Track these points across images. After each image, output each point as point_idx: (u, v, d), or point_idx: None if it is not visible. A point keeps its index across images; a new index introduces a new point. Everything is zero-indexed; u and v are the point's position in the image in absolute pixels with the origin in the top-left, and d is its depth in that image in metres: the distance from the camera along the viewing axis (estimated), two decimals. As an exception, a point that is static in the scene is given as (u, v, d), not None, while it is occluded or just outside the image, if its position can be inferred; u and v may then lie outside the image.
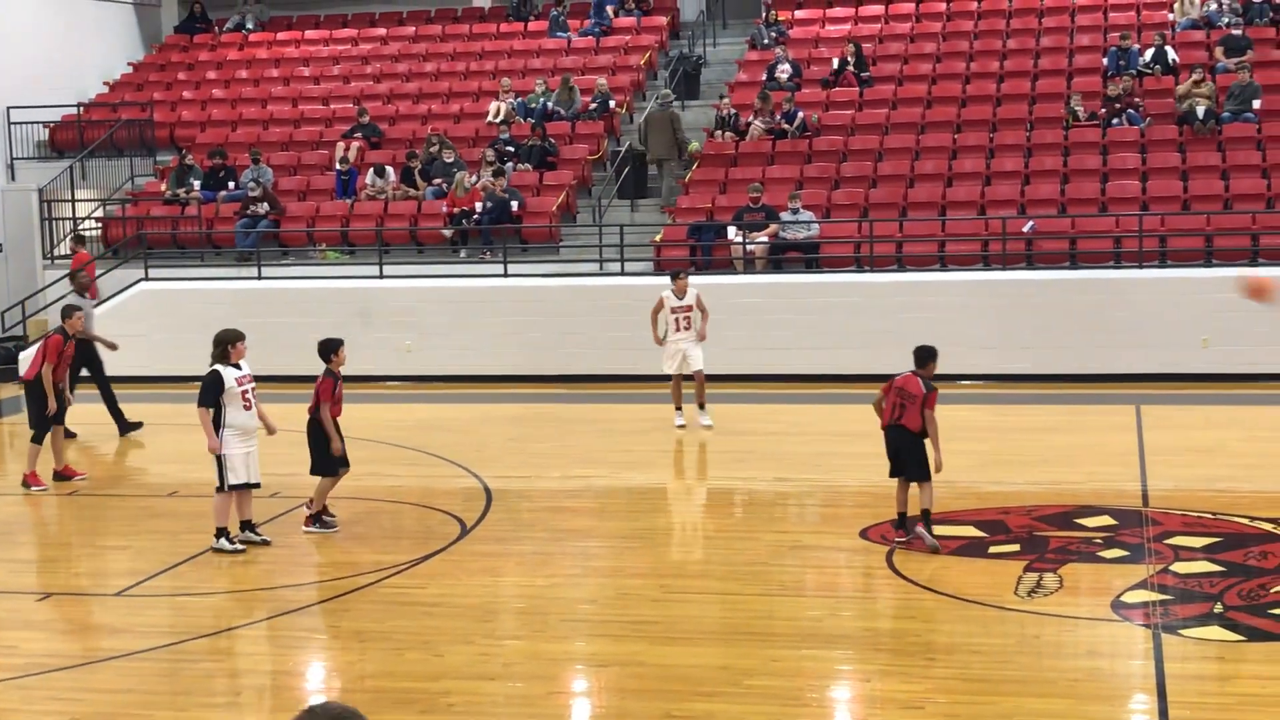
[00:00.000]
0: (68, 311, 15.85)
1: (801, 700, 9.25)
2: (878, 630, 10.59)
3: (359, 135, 26.09)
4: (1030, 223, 21.82)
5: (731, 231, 22.23)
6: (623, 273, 22.17)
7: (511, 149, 24.97)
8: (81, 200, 26.22)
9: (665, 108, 24.79)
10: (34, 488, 15.12)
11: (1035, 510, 13.59)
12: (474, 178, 23.98)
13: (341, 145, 25.57)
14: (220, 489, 12.71)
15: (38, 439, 15.37)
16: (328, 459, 13.17)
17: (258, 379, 13.19)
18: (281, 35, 30.85)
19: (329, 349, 13.48)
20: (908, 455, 12.45)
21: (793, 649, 10.09)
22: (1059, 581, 11.35)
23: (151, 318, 22.37)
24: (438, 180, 24.39)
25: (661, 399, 19.89)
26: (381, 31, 30.51)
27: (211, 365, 12.70)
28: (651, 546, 12.96)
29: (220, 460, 12.62)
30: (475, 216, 23.35)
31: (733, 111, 25.03)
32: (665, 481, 15.50)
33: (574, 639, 10.62)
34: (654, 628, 10.58)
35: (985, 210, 22.48)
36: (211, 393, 12.60)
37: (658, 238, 22.87)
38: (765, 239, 22.05)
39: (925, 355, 12.49)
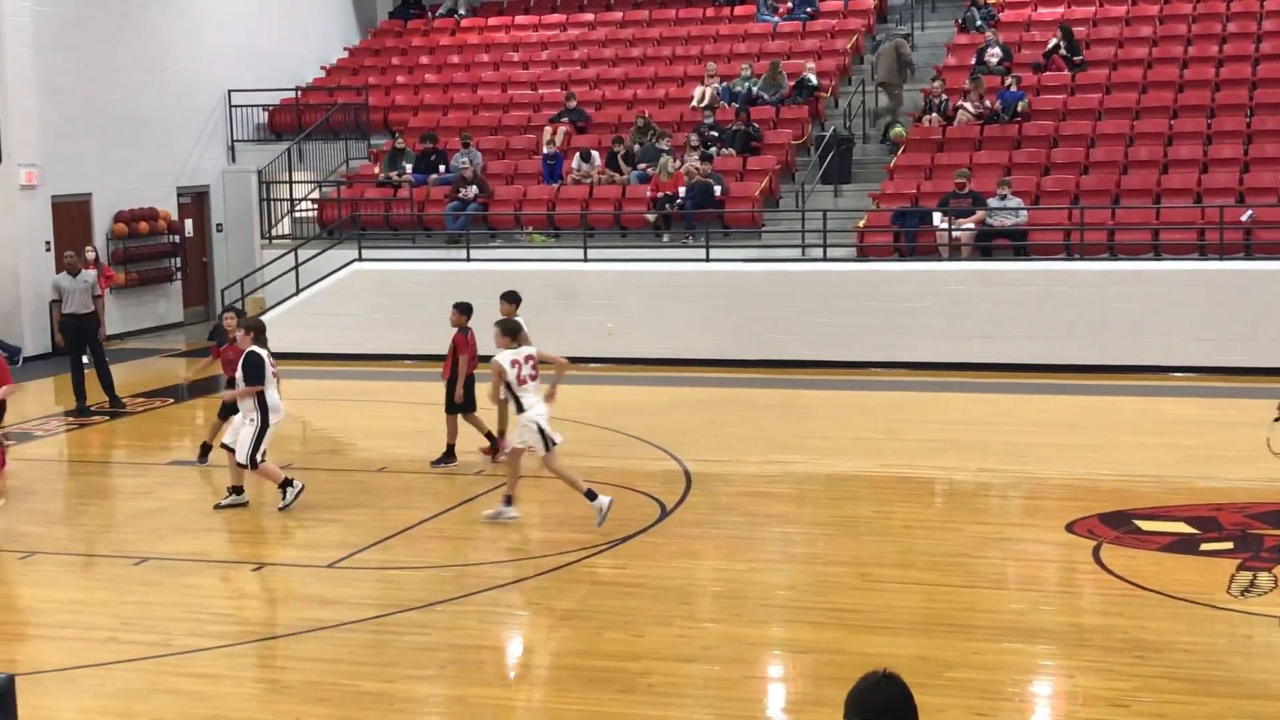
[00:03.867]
0: (465, 308, 15.71)
1: (1002, 694, 9.13)
2: (1083, 626, 10.37)
3: (566, 120, 26.36)
4: (1249, 211, 21.11)
5: (937, 218, 21.94)
6: (825, 258, 22.05)
7: (716, 134, 24.99)
8: (298, 182, 26.98)
9: (892, 38, 25.62)
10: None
11: (1250, 508, 13.17)
12: (678, 162, 24.07)
13: (549, 129, 25.87)
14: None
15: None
16: None
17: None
18: (492, 21, 31.32)
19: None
20: None
21: (994, 642, 9.95)
22: (1274, 581, 11.00)
23: (364, 297, 22.92)
24: (642, 165, 24.52)
25: (860, 385, 19.78)
26: (590, 17, 30.77)
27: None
28: (851, 535, 12.89)
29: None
30: (678, 201, 23.43)
31: (943, 97, 24.68)
32: (864, 469, 15.39)
33: (772, 624, 10.63)
34: (853, 616, 10.52)
35: (1202, 198, 21.82)
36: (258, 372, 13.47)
37: (861, 223, 22.68)
38: (972, 225, 21.71)
39: None
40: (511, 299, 15.40)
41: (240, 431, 13.58)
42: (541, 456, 12.97)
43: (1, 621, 11.12)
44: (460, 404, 15.36)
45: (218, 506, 13.84)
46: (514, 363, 12.84)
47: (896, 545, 12.39)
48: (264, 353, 13.61)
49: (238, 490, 13.88)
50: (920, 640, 9.95)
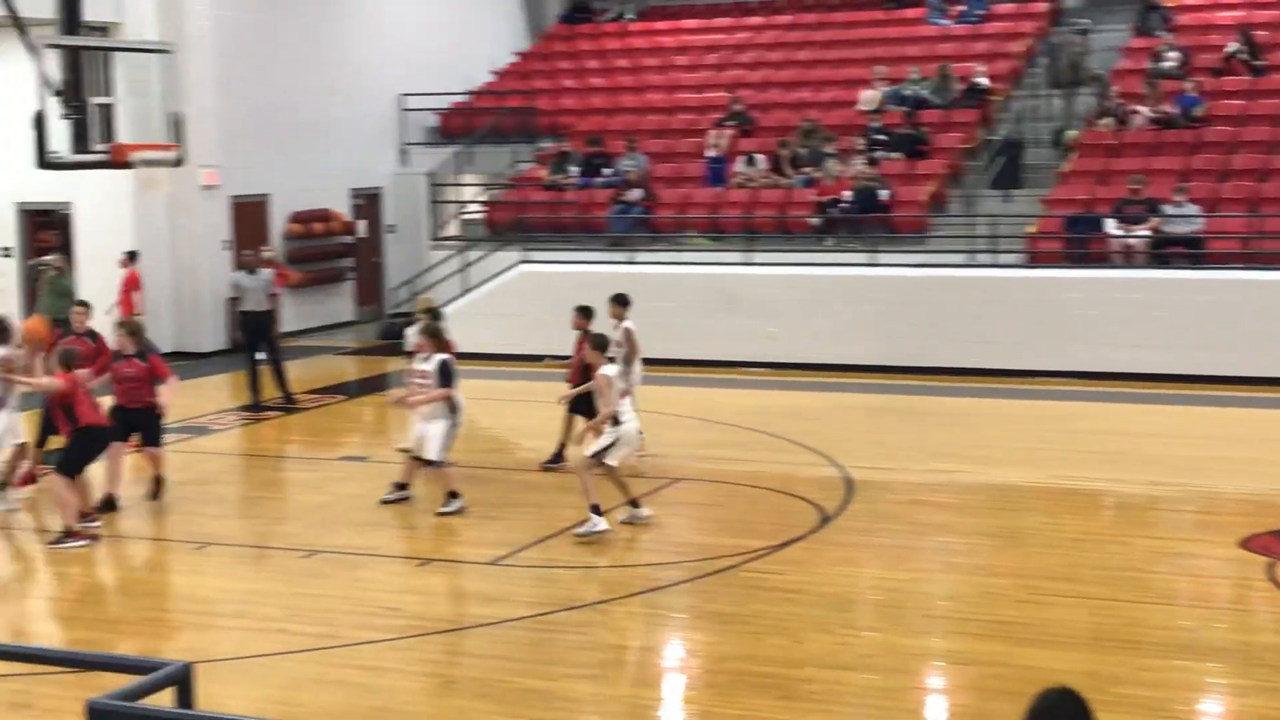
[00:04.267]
0: (587, 311, 15.76)
1: (1170, 712, 8.94)
2: (1255, 644, 10.10)
3: (731, 123, 26.36)
4: None
5: (1110, 224, 21.51)
6: (993, 264, 21.74)
7: (883, 137, 24.79)
8: (467, 184, 27.35)
9: (1065, 41, 25.79)
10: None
11: None
12: (843, 166, 23.93)
13: (714, 133, 25.89)
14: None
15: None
16: None
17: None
18: (659, 25, 31.43)
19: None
20: None
21: (1162, 659, 9.74)
22: None
23: (528, 298, 23.16)
24: (807, 168, 24.43)
25: (1028, 394, 19.46)
26: (757, 20, 30.71)
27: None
28: (1016, 546, 12.71)
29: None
30: (843, 205, 23.29)
31: (1117, 102, 24.19)
32: (1030, 480, 15.15)
33: (933, 635, 10.53)
34: (1017, 629, 10.38)
35: (1389, 206, 21.09)
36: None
37: (1031, 229, 22.33)
38: (1146, 232, 21.25)
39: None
40: (622, 301, 15.88)
41: (429, 429, 13.81)
42: (587, 455, 13.07)
43: (178, 610, 11.47)
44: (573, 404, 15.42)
45: (384, 501, 14.09)
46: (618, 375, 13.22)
47: (1063, 558, 12.19)
48: (452, 358, 13.92)
49: (403, 486, 14.13)
50: (1087, 655, 9.78)
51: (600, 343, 13.68)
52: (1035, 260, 21.89)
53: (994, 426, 17.91)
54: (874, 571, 12.00)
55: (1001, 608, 10.87)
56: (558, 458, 15.53)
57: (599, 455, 12.95)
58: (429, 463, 13.83)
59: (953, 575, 12.02)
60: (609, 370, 13.16)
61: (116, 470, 14.03)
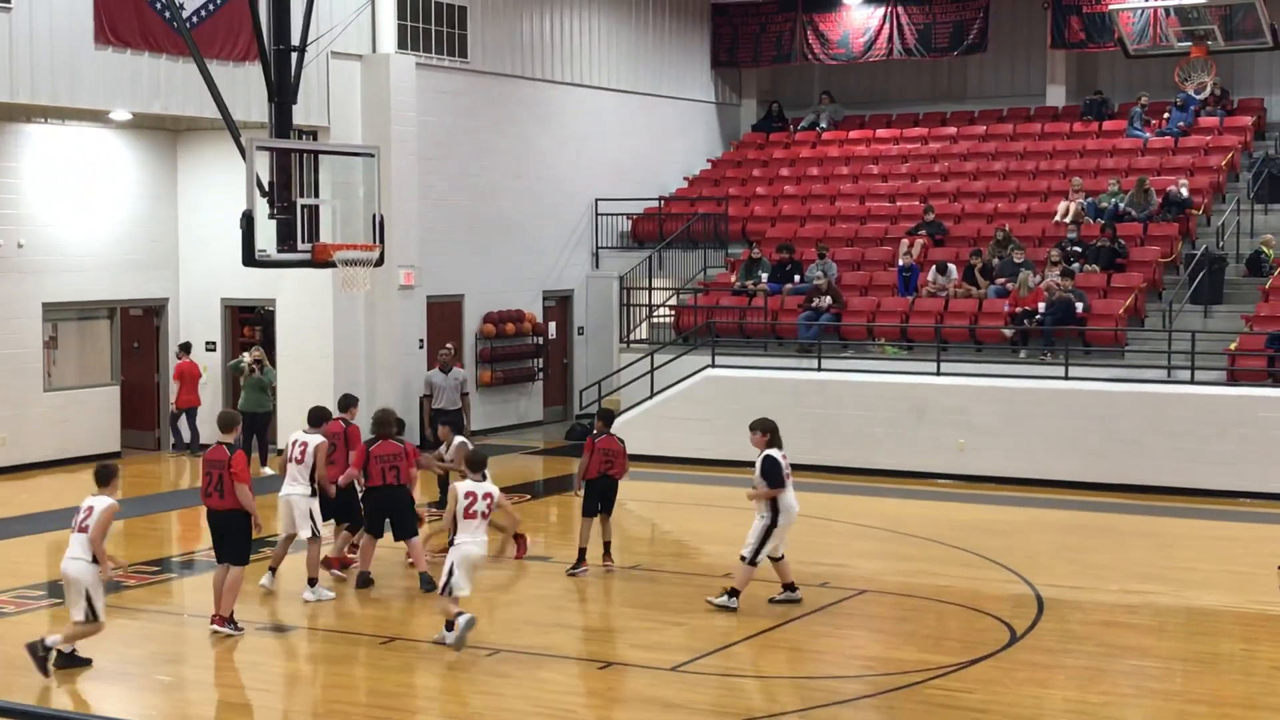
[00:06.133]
0: (606, 416, 16.10)
1: None
2: None
3: (923, 232, 26.24)
4: None
5: (1317, 343, 20.84)
6: (1192, 381, 21.18)
7: (1079, 249, 24.44)
8: (657, 288, 27.61)
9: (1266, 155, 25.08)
10: None
11: None
12: (1038, 277, 23.62)
13: (905, 242, 25.79)
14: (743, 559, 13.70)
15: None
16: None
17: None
18: (853, 134, 31.50)
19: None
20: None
21: (1373, 800, 9.27)
22: None
23: (715, 403, 23.19)
24: (1000, 279, 24.15)
25: (1230, 515, 18.84)
26: (952, 130, 30.62)
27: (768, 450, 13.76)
28: (1214, 673, 12.24)
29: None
30: (1037, 317, 22.96)
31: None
32: (1229, 604, 14.61)
33: (1126, 762, 10.17)
34: (1214, 760, 9.98)
35: None
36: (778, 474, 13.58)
37: (1233, 346, 21.74)
38: (1354, 352, 20.53)
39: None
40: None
41: (753, 525, 13.79)
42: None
43: (358, 704, 11.59)
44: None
45: (710, 602, 13.98)
46: (469, 494, 12.39)
47: (1261, 686, 11.73)
48: (780, 454, 13.77)
49: (733, 593, 13.88)
50: (1289, 792, 9.36)
51: (477, 462, 12.73)
52: (1236, 378, 21.29)
53: (1191, 548, 17.36)
54: (1064, 693, 11.65)
55: (1198, 737, 10.46)
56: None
57: (447, 589, 12.46)
58: (741, 557, 13.78)
59: (1146, 700, 11.62)
60: (462, 485, 12.48)
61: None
